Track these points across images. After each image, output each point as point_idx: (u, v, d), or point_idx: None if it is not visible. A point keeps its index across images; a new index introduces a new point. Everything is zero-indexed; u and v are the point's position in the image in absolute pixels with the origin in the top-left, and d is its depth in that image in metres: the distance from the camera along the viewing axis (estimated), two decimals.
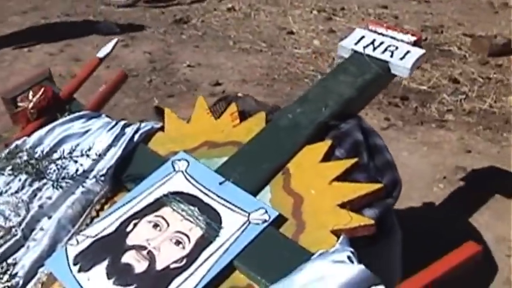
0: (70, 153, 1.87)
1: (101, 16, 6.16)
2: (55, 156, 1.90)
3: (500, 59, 5.48)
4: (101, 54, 2.40)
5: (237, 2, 6.89)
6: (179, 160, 1.94)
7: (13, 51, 5.18)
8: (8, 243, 1.82)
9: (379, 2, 7.23)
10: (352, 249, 1.56)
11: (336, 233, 1.66)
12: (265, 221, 1.71)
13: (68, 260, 1.73)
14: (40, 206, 1.86)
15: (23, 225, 1.84)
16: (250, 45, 5.67)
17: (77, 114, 2.12)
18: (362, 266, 1.49)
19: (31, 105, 2.17)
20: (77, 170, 1.89)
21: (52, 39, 5.36)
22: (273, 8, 6.80)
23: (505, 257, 2.79)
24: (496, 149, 3.84)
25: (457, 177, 3.47)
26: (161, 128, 2.12)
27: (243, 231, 1.69)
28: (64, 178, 1.87)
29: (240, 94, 2.37)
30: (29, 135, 2.10)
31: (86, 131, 2.04)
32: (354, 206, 1.76)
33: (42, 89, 2.20)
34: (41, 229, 1.83)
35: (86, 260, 1.72)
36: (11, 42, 5.34)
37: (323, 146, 1.95)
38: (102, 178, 1.89)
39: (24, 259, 1.78)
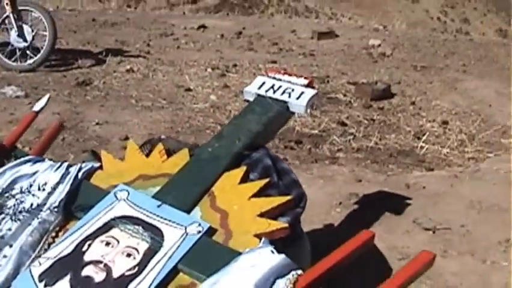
0: (28, 188, 2.16)
1: (4, 81, 6.31)
2: (14, 192, 2.18)
3: (381, 102, 6.08)
4: (36, 108, 2.70)
5: (135, 64, 7.23)
6: (120, 191, 2.26)
7: None
8: None
9: (268, 57, 7.76)
10: (273, 246, 1.94)
11: (259, 237, 2.01)
12: (200, 231, 2.05)
13: (33, 278, 1.99)
14: (1, 237, 2.12)
15: None
16: (152, 102, 5.99)
17: (23, 159, 2.38)
18: (283, 255, 1.86)
19: None
20: (32, 204, 2.18)
21: None
22: (169, 68, 7.17)
23: (397, 260, 3.22)
24: (383, 177, 4.32)
25: (351, 201, 3.87)
26: (100, 167, 2.43)
27: (182, 241, 2.02)
28: (20, 212, 2.15)
29: (163, 136, 2.72)
30: None
31: (35, 172, 2.32)
32: (270, 215, 2.13)
33: None
34: (4, 256, 2.09)
35: (50, 277, 1.98)
36: None
37: (239, 171, 2.31)
38: (56, 209, 2.17)
39: None
